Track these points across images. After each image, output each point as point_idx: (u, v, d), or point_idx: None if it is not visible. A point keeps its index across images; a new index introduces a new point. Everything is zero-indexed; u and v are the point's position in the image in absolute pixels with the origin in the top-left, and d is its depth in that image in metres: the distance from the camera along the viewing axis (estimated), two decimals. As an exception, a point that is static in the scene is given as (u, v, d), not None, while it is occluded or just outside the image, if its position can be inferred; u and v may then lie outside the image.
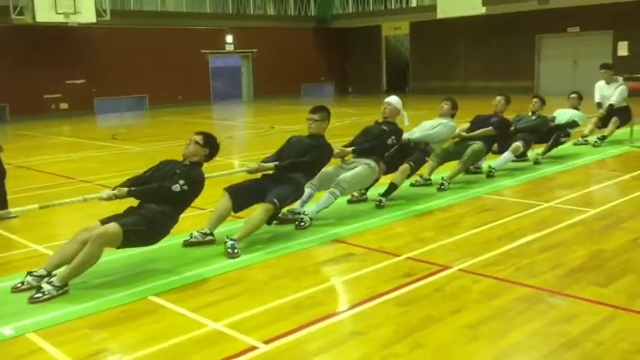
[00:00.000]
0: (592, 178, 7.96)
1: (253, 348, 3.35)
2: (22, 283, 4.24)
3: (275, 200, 5.12)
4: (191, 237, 5.20)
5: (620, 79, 10.34)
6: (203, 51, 23.68)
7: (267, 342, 3.40)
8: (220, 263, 4.74)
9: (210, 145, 4.93)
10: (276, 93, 25.07)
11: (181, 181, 4.58)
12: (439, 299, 3.95)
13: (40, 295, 4.03)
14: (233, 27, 24.32)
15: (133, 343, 3.47)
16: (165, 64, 22.26)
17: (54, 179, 8.84)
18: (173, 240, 5.08)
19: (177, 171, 4.69)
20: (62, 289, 4.10)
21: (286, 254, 4.97)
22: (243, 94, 25.96)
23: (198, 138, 4.90)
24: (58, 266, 4.29)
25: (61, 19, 18.57)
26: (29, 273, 4.28)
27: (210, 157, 4.97)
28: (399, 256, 4.83)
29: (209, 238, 5.20)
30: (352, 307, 3.90)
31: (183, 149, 4.90)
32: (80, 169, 9.63)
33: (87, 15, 19.05)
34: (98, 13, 19.39)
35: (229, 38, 24.35)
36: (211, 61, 24.23)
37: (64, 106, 20.43)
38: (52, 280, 4.12)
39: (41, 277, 4.24)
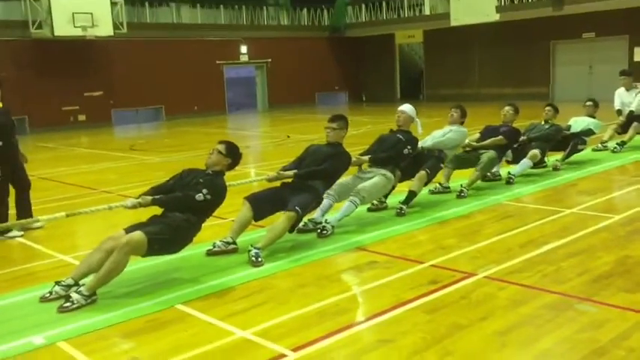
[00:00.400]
0: (613, 184, 7.89)
1: (282, 356, 3.36)
2: (50, 292, 4.29)
3: (297, 208, 5.15)
4: (214, 246, 5.24)
5: None
6: (218, 62, 23.85)
7: (295, 349, 3.41)
8: (245, 272, 4.77)
9: (233, 155, 4.97)
10: (291, 102, 25.17)
11: (204, 190, 4.62)
12: (466, 306, 3.94)
13: (69, 304, 4.07)
14: (247, 37, 24.49)
15: (163, 351, 3.49)
16: (181, 75, 22.45)
17: (76, 190, 8.94)
18: (196, 249, 5.12)
19: (201, 180, 4.74)
20: (90, 298, 4.14)
21: (309, 262, 4.98)
22: (258, 103, 26.09)
23: (221, 147, 4.93)
24: (84, 275, 4.35)
25: (78, 32, 18.84)
26: (57, 283, 4.34)
27: (232, 166, 5.01)
28: (422, 263, 4.82)
29: (232, 247, 5.23)
30: (378, 314, 3.89)
31: (206, 159, 4.94)
32: (101, 180, 9.73)
33: (104, 28, 19.31)
34: (115, 26, 19.65)
35: (244, 49, 24.51)
36: (226, 71, 24.40)
37: (82, 117, 20.66)
38: (80, 289, 4.17)
39: (69, 286, 4.29)
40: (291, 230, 5.30)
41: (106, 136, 18.45)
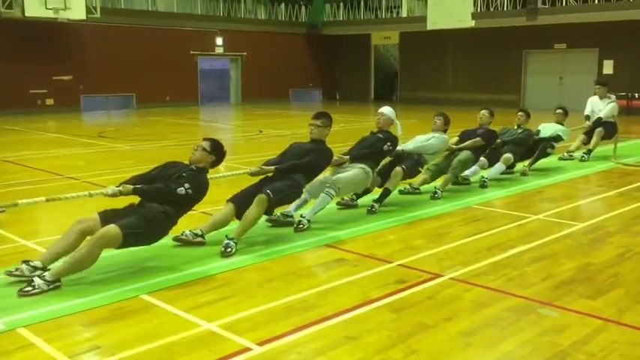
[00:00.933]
0: (578, 192, 8.06)
1: (247, 349, 3.35)
2: (17, 269, 4.24)
3: (268, 191, 5.15)
4: (182, 234, 5.21)
5: (613, 96, 10.54)
6: (192, 52, 23.62)
7: (260, 344, 3.40)
8: (212, 264, 4.74)
9: (217, 152, 4.98)
10: (264, 97, 25.07)
11: (187, 185, 4.62)
12: (432, 307, 3.98)
13: (30, 288, 4.01)
14: (223, 29, 24.30)
15: (126, 341, 3.44)
16: (154, 63, 22.16)
17: (42, 175, 8.74)
18: (166, 239, 5.03)
19: (184, 174, 4.73)
20: (53, 284, 4.07)
21: (277, 258, 4.97)
22: (231, 97, 25.92)
23: (206, 144, 4.93)
24: (54, 259, 4.29)
25: (50, 14, 18.44)
26: (25, 261, 4.28)
27: (216, 163, 5.03)
28: (390, 262, 4.85)
29: (199, 239, 5.18)
30: (345, 311, 3.90)
31: (190, 155, 4.92)
32: (68, 166, 9.54)
33: (77, 12, 18.93)
34: (88, 10, 19.29)
35: (219, 40, 24.32)
36: (200, 62, 24.17)
37: (49, 101, 20.24)
38: (44, 274, 4.10)
39: (35, 268, 4.23)
40: (267, 213, 5.29)
41: (74, 121, 18.10)
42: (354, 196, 6.64)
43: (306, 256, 5.07)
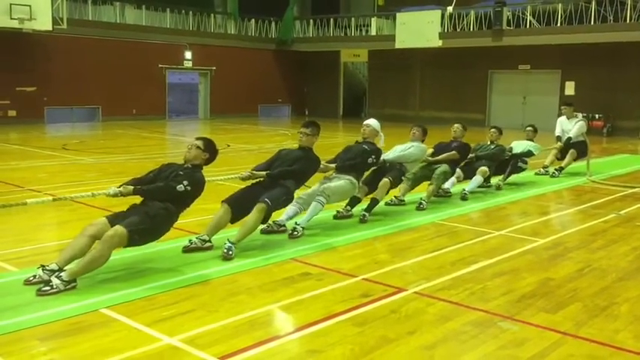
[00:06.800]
0: (542, 208, 8.21)
1: (209, 364, 3.31)
2: (34, 276, 4.34)
3: (267, 200, 5.38)
4: (190, 243, 5.36)
5: (580, 115, 10.97)
6: (161, 65, 23.45)
7: (223, 358, 3.37)
8: (176, 278, 4.68)
9: (210, 150, 5.19)
10: (233, 112, 25.00)
11: (185, 182, 4.81)
12: (395, 320, 4.00)
13: (48, 288, 4.15)
14: (192, 43, 24.21)
15: (83, 356, 3.37)
16: (121, 76, 21.91)
17: (1, 187, 8.53)
18: (126, 252, 4.96)
19: (181, 172, 4.92)
20: (70, 284, 4.22)
21: (242, 272, 4.94)
22: (200, 111, 25.77)
23: (200, 143, 5.14)
24: (68, 261, 4.42)
25: (15, 24, 18.10)
26: (42, 266, 4.38)
27: (210, 161, 5.23)
28: (355, 277, 4.86)
29: (208, 244, 5.38)
30: (309, 325, 3.89)
31: (185, 154, 5.11)
32: (29, 178, 9.33)
33: (43, 22, 18.63)
34: (55, 21, 18.99)
35: (188, 54, 24.21)
36: (169, 76, 24.00)
37: (12, 113, 19.79)
38: (61, 274, 4.23)
39: (52, 271, 4.33)
40: (263, 221, 5.51)
41: (37, 133, 17.74)
42: (349, 207, 6.86)
43: (271, 270, 5.03)
